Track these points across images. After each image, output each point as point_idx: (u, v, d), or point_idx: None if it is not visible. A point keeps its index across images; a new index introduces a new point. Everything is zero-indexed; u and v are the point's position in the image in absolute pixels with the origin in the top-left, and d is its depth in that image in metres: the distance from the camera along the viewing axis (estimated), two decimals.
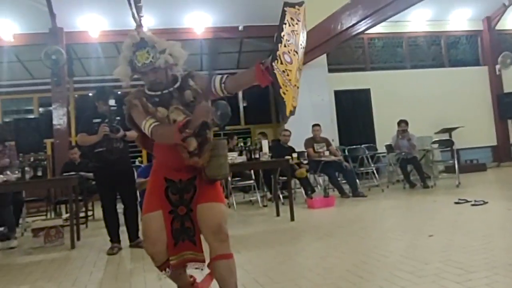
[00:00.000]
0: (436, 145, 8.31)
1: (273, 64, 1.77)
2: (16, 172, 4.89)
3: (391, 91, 10.88)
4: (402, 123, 8.00)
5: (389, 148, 8.41)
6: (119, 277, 3.27)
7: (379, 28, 9.77)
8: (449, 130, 9.85)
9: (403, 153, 7.83)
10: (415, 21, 11.46)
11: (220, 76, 2.02)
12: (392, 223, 4.75)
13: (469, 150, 10.66)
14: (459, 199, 5.48)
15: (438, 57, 12.10)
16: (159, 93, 2.11)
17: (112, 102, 4.22)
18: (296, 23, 1.98)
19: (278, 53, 1.80)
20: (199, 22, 9.59)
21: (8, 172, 4.81)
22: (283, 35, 1.85)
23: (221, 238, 2.02)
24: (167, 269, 2.15)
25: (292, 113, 1.86)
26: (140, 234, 4.20)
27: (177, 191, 2.11)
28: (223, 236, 2.02)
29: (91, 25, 9.00)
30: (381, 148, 9.16)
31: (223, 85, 2.01)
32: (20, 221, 5.88)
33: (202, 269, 2.17)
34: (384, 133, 9.44)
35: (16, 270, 3.78)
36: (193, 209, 2.10)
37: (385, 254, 3.22)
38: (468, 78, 11.63)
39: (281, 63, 1.81)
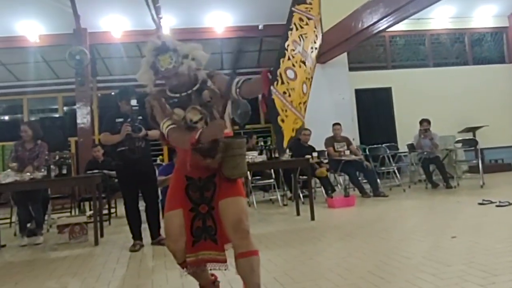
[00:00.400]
0: (459, 145, 8.16)
1: (272, 88, 1.71)
2: (42, 170, 5.02)
3: (413, 90, 10.72)
4: (424, 122, 7.88)
5: (411, 147, 8.29)
6: (141, 274, 3.33)
7: (401, 26, 9.63)
8: (473, 129, 9.65)
9: (425, 153, 7.72)
10: (438, 18, 11.26)
11: (237, 79, 2.02)
12: (414, 223, 4.69)
13: (493, 150, 10.41)
14: (483, 200, 5.38)
15: (461, 54, 11.86)
16: (178, 95, 2.13)
17: (134, 102, 4.30)
18: (306, 24, 1.90)
19: (279, 71, 1.74)
20: (219, 22, 9.64)
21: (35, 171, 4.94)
22: (287, 46, 1.78)
23: (242, 235, 2.01)
24: (188, 267, 2.17)
25: (290, 142, 1.83)
26: (162, 231, 4.25)
27: (197, 188, 2.13)
28: (244, 232, 2.02)
29: (114, 25, 9.15)
30: (402, 148, 9.04)
31: (238, 89, 2.01)
32: (46, 217, 6.02)
33: (225, 269, 2.16)
34: (406, 132, 9.32)
35: (42, 266, 3.89)
36: (215, 207, 2.11)
37: (407, 255, 3.19)
38: (492, 76, 11.36)
39: (282, 82, 1.74)
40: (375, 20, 7.47)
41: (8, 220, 6.31)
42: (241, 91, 2.02)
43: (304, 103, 1.90)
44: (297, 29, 1.82)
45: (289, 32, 1.79)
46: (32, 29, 8.96)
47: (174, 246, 2.14)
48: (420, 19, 10.41)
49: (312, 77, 1.97)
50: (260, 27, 9.81)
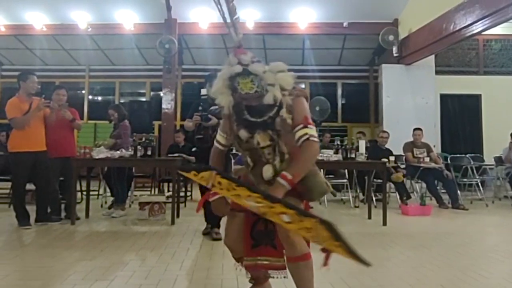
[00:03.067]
0: None
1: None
2: (130, 150, 5.41)
3: (505, 99, 9.95)
4: None
5: (499, 160, 7.75)
6: (213, 257, 3.49)
7: (498, 29, 8.96)
8: None
9: None
10: None
11: (306, 136, 1.93)
12: (495, 242, 4.41)
13: None
14: None
15: None
16: (253, 119, 2.00)
17: (204, 91, 4.34)
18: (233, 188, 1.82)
19: (295, 229, 1.76)
20: (304, 17, 9.62)
21: (123, 150, 5.34)
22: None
23: (288, 241, 1.91)
24: (246, 269, 2.19)
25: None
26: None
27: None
28: (289, 237, 1.90)
29: (202, 17, 9.50)
30: (488, 160, 8.46)
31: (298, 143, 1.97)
32: (129, 194, 6.50)
33: (284, 277, 2.10)
34: (494, 144, 8.71)
35: (123, 238, 4.22)
36: None
37: (485, 274, 3.02)
38: None
39: (305, 231, 1.74)
40: (469, 22, 7.04)
41: (96, 193, 6.87)
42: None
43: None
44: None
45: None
46: (128, 17, 9.58)
47: (231, 245, 2.18)
48: None
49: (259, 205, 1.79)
50: (345, 24, 9.65)
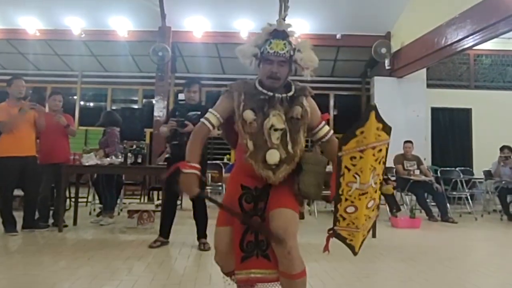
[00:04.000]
0: None
1: (334, 228, 1.91)
2: (120, 157, 5.38)
3: (496, 113, 10.05)
4: (506, 149, 7.41)
5: (488, 174, 7.80)
6: (201, 268, 3.46)
7: (488, 45, 9.10)
8: None
9: (503, 182, 7.25)
10: None
11: (331, 132, 2.09)
12: (484, 256, 4.43)
13: None
14: None
15: None
16: (271, 93, 1.97)
17: (182, 96, 4.29)
18: (361, 157, 1.75)
19: (338, 214, 1.86)
20: (297, 29, 9.68)
21: (113, 157, 5.31)
22: (342, 190, 1.80)
23: (283, 253, 1.84)
24: (233, 277, 2.08)
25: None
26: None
27: (252, 199, 2.00)
28: (285, 251, 1.83)
29: (196, 25, 9.52)
30: (478, 173, 8.52)
31: (319, 143, 2.11)
32: (118, 201, 6.44)
33: None
34: (483, 158, 8.79)
35: (111, 246, 4.17)
36: (266, 218, 1.98)
37: None
38: None
39: (344, 218, 1.87)
40: (460, 37, 7.14)
41: (85, 200, 6.80)
42: (322, 146, 2.15)
43: (371, 216, 2.01)
44: (349, 170, 1.77)
45: (341, 179, 1.78)
46: (122, 24, 9.57)
47: (221, 262, 2.10)
48: (510, 38, 9.76)
49: (375, 198, 1.96)
50: (338, 36, 9.73)
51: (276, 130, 1.94)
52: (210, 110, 2.02)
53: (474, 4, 6.67)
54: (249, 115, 1.94)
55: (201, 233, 4.30)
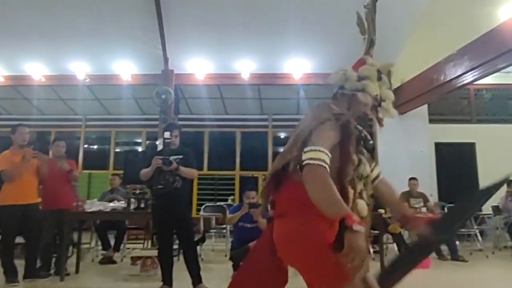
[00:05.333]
0: None
1: None
2: (123, 202, 5.34)
3: (500, 147, 10.00)
4: None
5: (496, 209, 7.68)
6: None
7: (488, 79, 9.19)
8: None
9: None
10: None
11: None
12: None
13: None
14: None
15: None
16: (369, 137, 1.79)
17: (167, 134, 4.15)
18: None
19: None
20: (298, 68, 9.85)
21: (116, 202, 5.26)
22: None
23: None
24: None
25: None
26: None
27: None
28: None
29: (198, 68, 9.70)
30: (486, 209, 8.38)
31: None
32: (121, 246, 6.34)
33: None
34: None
35: None
36: None
37: None
38: None
39: None
40: (459, 73, 7.21)
41: (87, 246, 6.69)
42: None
43: None
44: None
45: None
46: (126, 69, 9.77)
47: None
48: (510, 72, 9.86)
49: None
50: None
51: (366, 177, 1.75)
52: (318, 148, 1.56)
53: (471, 41, 6.79)
54: (355, 158, 1.69)
55: (196, 279, 4.22)
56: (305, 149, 1.57)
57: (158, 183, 4.12)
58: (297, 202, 1.63)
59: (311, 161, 1.53)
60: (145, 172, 4.18)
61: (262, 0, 8.09)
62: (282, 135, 11.99)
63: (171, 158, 4.10)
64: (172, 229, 4.28)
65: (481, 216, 8.16)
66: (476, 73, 7.03)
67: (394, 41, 9.01)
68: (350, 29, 8.20)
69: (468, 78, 7.24)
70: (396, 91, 8.61)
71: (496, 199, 7.59)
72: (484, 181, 9.93)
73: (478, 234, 7.41)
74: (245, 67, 9.45)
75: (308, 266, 1.62)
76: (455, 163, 10.28)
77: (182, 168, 4.11)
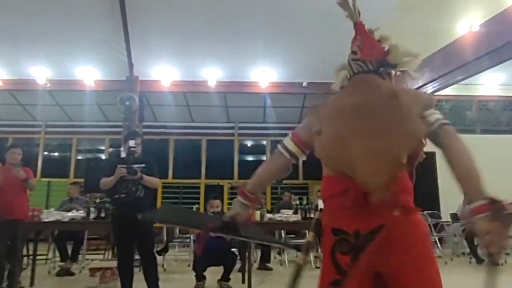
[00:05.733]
0: None
1: None
2: (82, 211, 5.16)
3: None
4: None
5: (455, 217, 7.92)
6: None
7: (448, 90, 9.53)
8: None
9: (469, 224, 7.34)
10: (488, 85, 11.05)
11: None
12: None
13: None
14: None
15: (511, 123, 11.49)
16: None
17: (132, 143, 4.07)
18: None
19: None
20: (264, 77, 9.90)
21: (75, 212, 5.09)
22: None
23: None
24: None
25: None
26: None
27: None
28: None
29: (164, 75, 9.59)
30: (445, 216, 8.65)
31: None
32: (80, 257, 6.11)
33: None
34: (450, 201, 8.93)
35: None
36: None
37: None
38: None
39: None
40: (420, 84, 7.45)
41: (44, 257, 6.43)
42: None
43: None
44: None
45: None
46: (89, 74, 9.53)
47: None
48: (468, 84, 10.26)
49: None
50: (304, 84, 9.98)
51: None
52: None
53: (431, 54, 7.04)
54: None
55: None
56: (428, 112, 1.53)
57: (120, 192, 4.01)
58: (409, 193, 1.61)
59: (447, 121, 1.50)
60: (107, 181, 4.06)
61: (230, 8, 8.10)
62: (249, 143, 12.00)
63: (135, 166, 4.01)
64: (133, 239, 4.14)
65: (440, 223, 8.41)
66: (436, 84, 7.29)
67: None
68: (316, 39, 8.37)
69: (428, 89, 7.49)
70: None
71: (455, 206, 7.82)
72: (444, 191, 10.30)
73: (437, 241, 7.61)
74: (212, 74, 9.43)
75: (427, 264, 1.52)
76: (416, 173, 10.53)
77: (145, 177, 4.03)
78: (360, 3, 1.67)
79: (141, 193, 4.08)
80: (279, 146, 1.68)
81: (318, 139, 1.57)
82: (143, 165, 4.08)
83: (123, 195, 4.00)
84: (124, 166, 3.96)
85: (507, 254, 7.45)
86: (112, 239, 4.45)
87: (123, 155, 4.36)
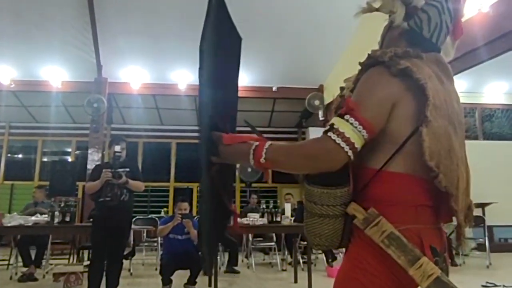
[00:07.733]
0: None
1: None
2: (46, 216, 5.07)
3: None
4: None
5: None
6: None
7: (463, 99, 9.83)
8: (482, 206, 9.51)
9: None
10: (491, 94, 11.49)
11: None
12: None
13: (504, 228, 10.20)
14: (487, 282, 5.23)
15: (471, 129, 11.96)
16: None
17: (117, 148, 4.18)
18: None
19: None
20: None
21: (39, 216, 5.00)
22: None
23: None
24: None
25: None
26: None
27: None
28: None
29: (133, 77, 9.50)
30: None
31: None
32: (43, 262, 5.99)
33: None
34: None
35: None
36: None
37: None
38: (503, 152, 11.36)
39: None
40: None
41: (6, 262, 6.27)
42: None
43: None
44: None
45: None
46: (56, 75, 9.33)
47: None
48: (471, 92, 10.61)
49: None
50: (274, 88, 10.11)
51: None
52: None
53: None
54: None
55: None
56: None
57: (105, 195, 4.10)
58: None
59: None
60: (93, 185, 4.17)
61: (200, 10, 8.04)
62: None
63: (119, 170, 4.12)
64: (110, 242, 4.19)
65: None
66: None
67: (326, 58, 9.44)
68: (285, 43, 8.49)
69: None
70: (328, 106, 8.97)
71: None
72: None
73: None
74: (182, 77, 9.41)
75: None
76: None
77: (131, 181, 4.15)
78: None
79: (126, 196, 4.20)
80: (338, 139, 1.13)
81: (426, 132, 1.13)
82: (127, 169, 4.20)
83: (107, 198, 4.09)
84: (109, 170, 4.07)
85: (465, 255, 7.79)
86: (90, 240, 4.43)
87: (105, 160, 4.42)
